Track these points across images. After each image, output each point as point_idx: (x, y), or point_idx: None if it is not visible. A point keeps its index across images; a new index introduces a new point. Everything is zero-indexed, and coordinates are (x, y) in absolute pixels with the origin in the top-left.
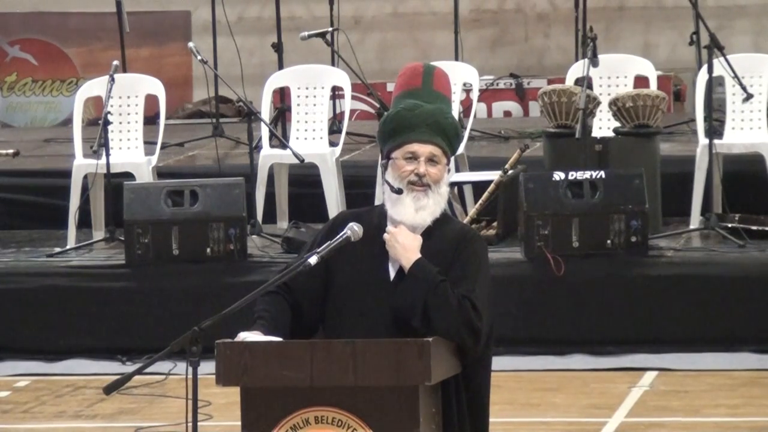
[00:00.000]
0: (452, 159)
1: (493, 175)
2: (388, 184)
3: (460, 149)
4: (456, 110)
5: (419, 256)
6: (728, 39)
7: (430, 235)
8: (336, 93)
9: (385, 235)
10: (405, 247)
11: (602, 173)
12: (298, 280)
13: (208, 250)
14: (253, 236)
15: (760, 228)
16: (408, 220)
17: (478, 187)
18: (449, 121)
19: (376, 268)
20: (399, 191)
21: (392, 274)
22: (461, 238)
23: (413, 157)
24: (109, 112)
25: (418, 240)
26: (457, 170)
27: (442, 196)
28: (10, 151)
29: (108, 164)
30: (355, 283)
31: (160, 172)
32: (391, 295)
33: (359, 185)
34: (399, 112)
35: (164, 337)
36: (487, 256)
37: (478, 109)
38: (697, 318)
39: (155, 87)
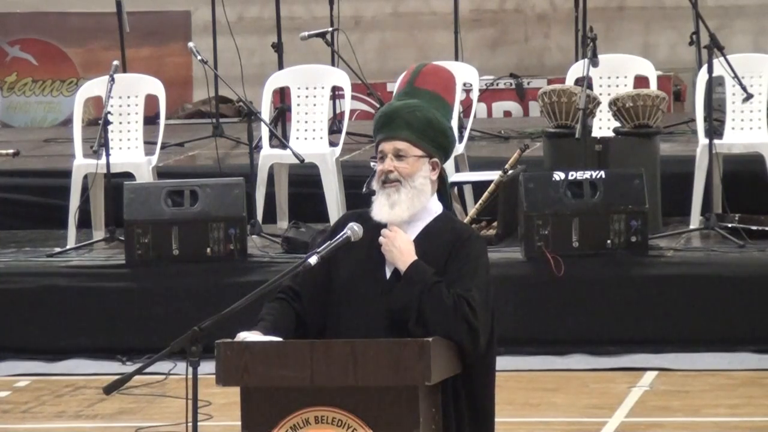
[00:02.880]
0: (452, 158)
1: (493, 175)
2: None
3: (460, 149)
4: (456, 110)
5: (415, 258)
6: (728, 39)
7: (427, 234)
8: (336, 93)
9: (381, 239)
10: (401, 250)
11: (602, 173)
12: (305, 286)
13: (208, 250)
14: (253, 236)
15: (760, 228)
16: (384, 217)
17: (478, 187)
18: (415, 114)
19: (373, 268)
20: (373, 193)
21: (388, 273)
22: (458, 237)
23: (382, 157)
24: (109, 112)
25: (413, 243)
26: (457, 170)
27: (419, 189)
28: (10, 151)
29: (108, 164)
30: (353, 284)
31: (160, 172)
32: (386, 295)
33: (359, 185)
34: (375, 117)
35: (164, 337)
36: (486, 256)
37: (478, 109)
38: (697, 318)
39: (155, 87)
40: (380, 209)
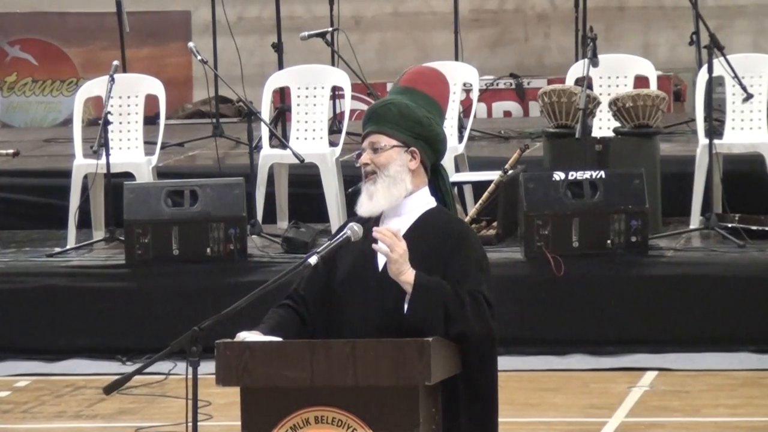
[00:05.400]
0: (452, 158)
1: (493, 175)
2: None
3: (460, 149)
4: (456, 110)
5: (413, 270)
6: (728, 39)
7: (419, 227)
8: (336, 93)
9: (377, 244)
10: (406, 260)
11: (602, 173)
12: (310, 290)
13: (208, 250)
14: (253, 236)
15: (760, 228)
16: (365, 210)
17: (478, 187)
18: (388, 107)
19: (366, 261)
20: (359, 193)
21: (380, 265)
22: (452, 233)
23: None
24: (109, 112)
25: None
26: (457, 170)
27: (393, 177)
28: (10, 151)
29: (108, 164)
30: (349, 280)
31: (160, 172)
32: (379, 286)
33: None
34: None
35: (164, 337)
36: (483, 249)
37: (478, 109)
38: (697, 318)
39: (155, 87)
40: (361, 204)
